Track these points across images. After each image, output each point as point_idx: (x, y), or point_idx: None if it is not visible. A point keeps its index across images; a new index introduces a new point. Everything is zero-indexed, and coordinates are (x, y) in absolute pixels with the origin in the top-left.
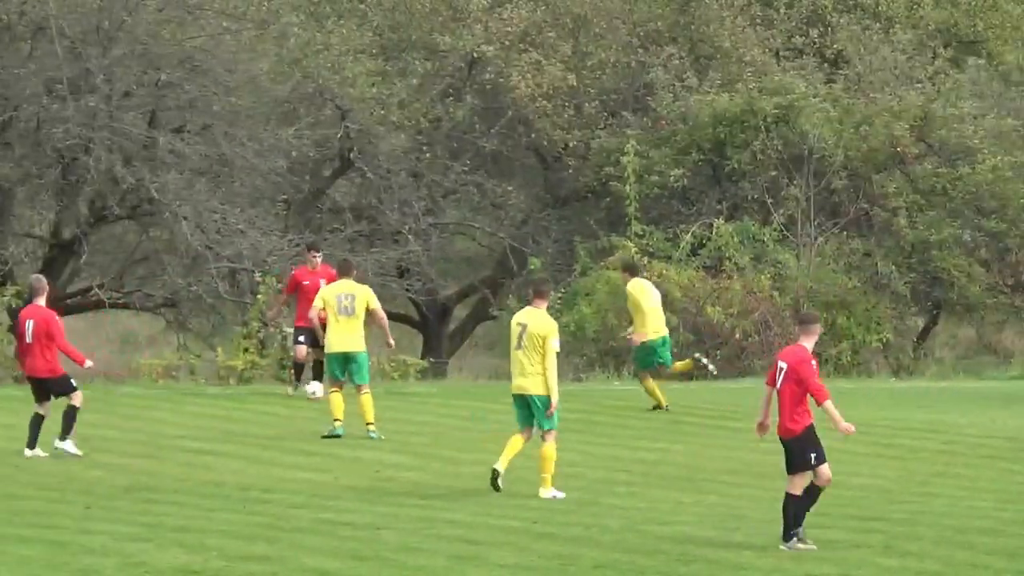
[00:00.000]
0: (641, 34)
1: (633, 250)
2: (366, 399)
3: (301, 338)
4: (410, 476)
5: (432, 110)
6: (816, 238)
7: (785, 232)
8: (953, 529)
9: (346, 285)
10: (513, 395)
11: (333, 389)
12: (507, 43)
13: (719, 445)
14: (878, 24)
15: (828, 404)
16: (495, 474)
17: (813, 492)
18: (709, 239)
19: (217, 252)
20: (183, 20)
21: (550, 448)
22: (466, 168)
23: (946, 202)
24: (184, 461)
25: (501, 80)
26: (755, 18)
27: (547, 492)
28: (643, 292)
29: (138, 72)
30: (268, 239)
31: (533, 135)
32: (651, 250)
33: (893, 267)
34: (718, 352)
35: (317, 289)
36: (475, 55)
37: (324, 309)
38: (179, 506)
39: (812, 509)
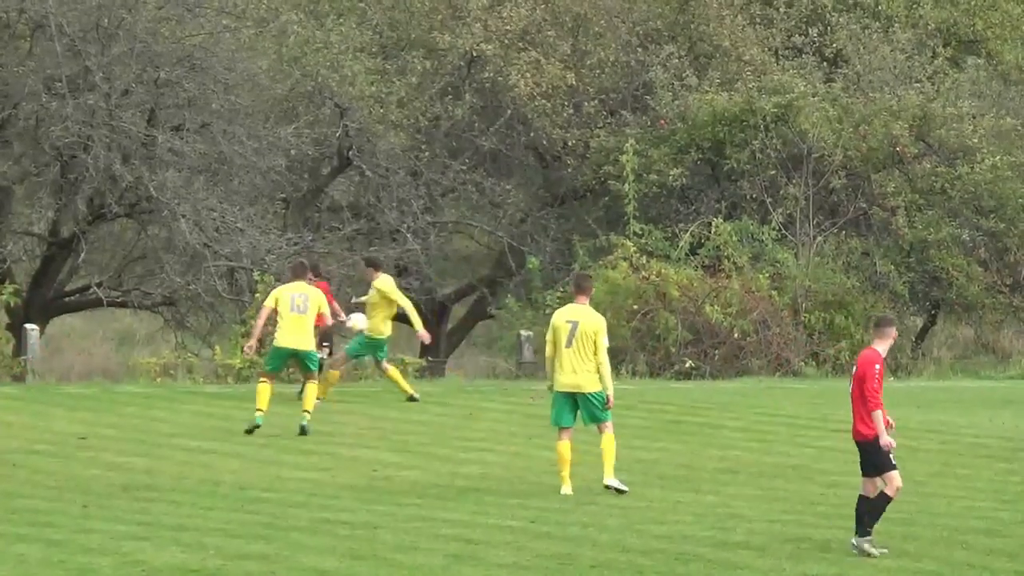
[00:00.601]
0: (640, 33)
1: (632, 249)
2: (312, 387)
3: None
4: (408, 475)
5: (431, 109)
6: (815, 237)
7: (784, 231)
8: (951, 529)
9: (300, 286)
10: (559, 392)
11: (264, 380)
12: (506, 42)
13: (717, 444)
14: (877, 23)
15: (877, 414)
16: (566, 498)
17: (877, 501)
18: (708, 238)
19: (215, 250)
20: (182, 18)
21: (611, 439)
22: (464, 167)
23: (945, 201)
24: (182, 460)
25: (500, 79)
26: (754, 17)
27: (612, 480)
28: (395, 290)
29: (137, 70)
30: (267, 237)
31: (532, 134)
32: (650, 249)
33: (892, 266)
34: (716, 352)
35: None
36: (474, 54)
37: (276, 308)
38: (177, 505)
39: (875, 516)
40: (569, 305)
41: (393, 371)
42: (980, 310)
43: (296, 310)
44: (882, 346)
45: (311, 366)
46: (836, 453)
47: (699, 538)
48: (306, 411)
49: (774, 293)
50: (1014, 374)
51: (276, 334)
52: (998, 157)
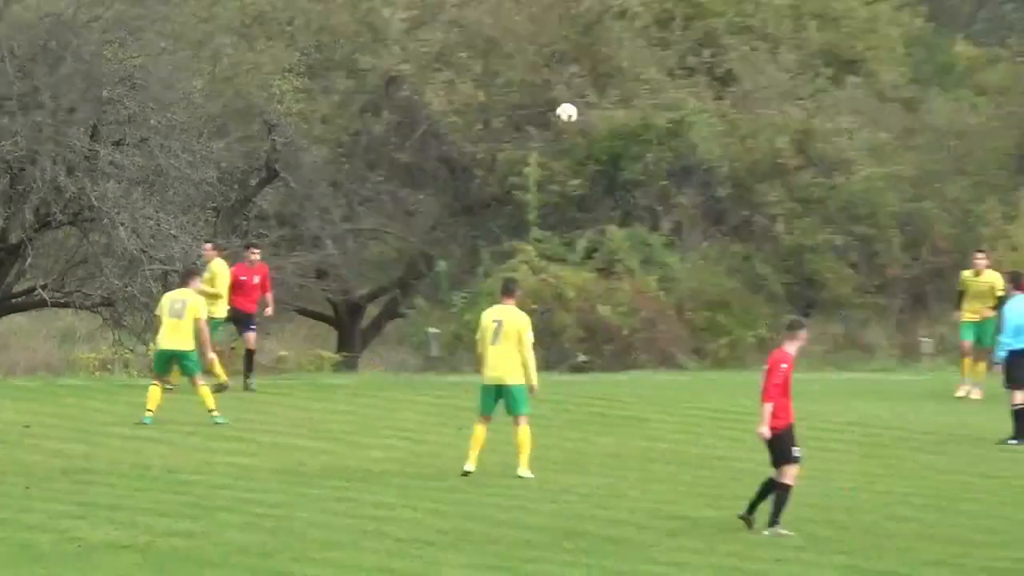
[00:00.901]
0: (546, 54)
1: (532, 253)
2: (203, 390)
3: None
4: (323, 460)
5: (352, 124)
6: (701, 243)
7: (672, 237)
8: (805, 505)
9: (181, 293)
10: (484, 385)
11: (155, 383)
12: (423, 63)
13: (607, 432)
14: (765, 45)
15: (767, 406)
16: (466, 473)
17: (778, 490)
18: (603, 244)
19: (151, 255)
20: (125, 41)
21: (526, 431)
22: (381, 178)
23: (821, 210)
24: (117, 446)
25: (416, 97)
26: (652, 39)
27: (525, 471)
28: (221, 276)
29: (82, 89)
30: (198, 244)
31: (444, 148)
32: (549, 254)
33: (770, 269)
34: (607, 347)
35: (252, 286)
36: (393, 74)
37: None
38: (111, 487)
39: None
40: (496, 306)
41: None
42: (849, 309)
43: (174, 315)
44: (791, 347)
45: (191, 367)
46: (731, 442)
47: (585, 516)
48: (211, 410)
49: (662, 294)
50: (877, 367)
51: (157, 338)
52: (872, 169)
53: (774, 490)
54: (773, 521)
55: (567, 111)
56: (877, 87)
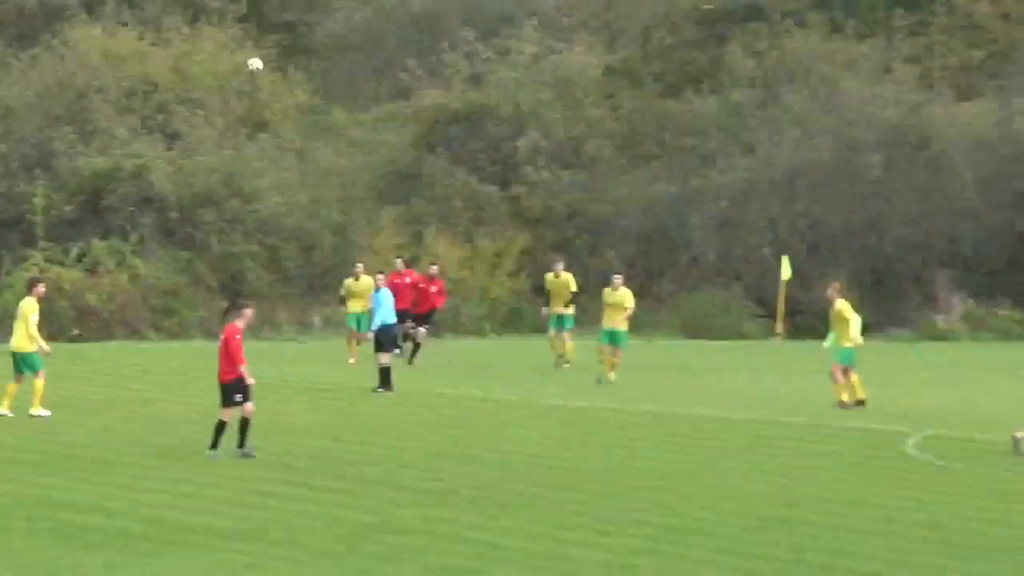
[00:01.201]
0: (49, 117)
1: (40, 259)
2: None
3: None
4: None
5: None
6: (157, 250)
7: (138, 246)
8: (286, 441)
9: None
10: (10, 352)
11: None
12: None
13: (98, 385)
14: (202, 112)
15: (242, 368)
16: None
17: (245, 422)
18: (89, 251)
19: None
20: None
21: (40, 383)
22: None
23: (243, 228)
24: None
25: None
26: (123, 108)
27: (40, 411)
28: None
29: None
30: None
31: None
32: (52, 259)
33: (207, 269)
34: (92, 323)
35: None
36: None
37: None
38: None
39: (248, 433)
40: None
41: None
42: (265, 297)
43: None
44: (239, 322)
45: None
46: (163, 388)
47: (85, 445)
48: None
49: (131, 286)
50: (282, 338)
51: None
52: (277, 199)
53: (242, 425)
54: (213, 444)
55: (254, 64)
56: (280, 142)
